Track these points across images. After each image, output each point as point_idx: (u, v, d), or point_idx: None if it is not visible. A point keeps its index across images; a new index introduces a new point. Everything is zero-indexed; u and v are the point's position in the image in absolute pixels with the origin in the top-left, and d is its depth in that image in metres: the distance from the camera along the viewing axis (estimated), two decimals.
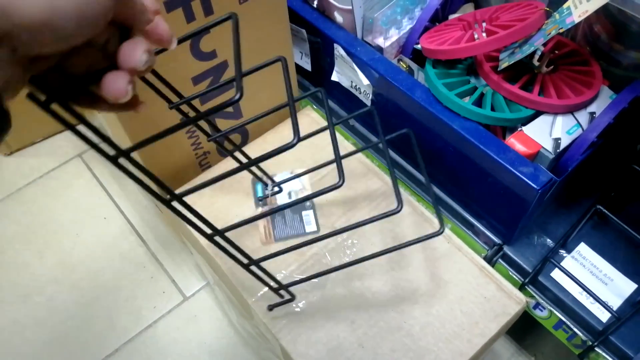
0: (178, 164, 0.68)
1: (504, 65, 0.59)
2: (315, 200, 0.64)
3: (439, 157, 0.64)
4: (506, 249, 0.63)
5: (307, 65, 0.77)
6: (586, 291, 0.57)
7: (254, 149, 0.70)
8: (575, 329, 0.58)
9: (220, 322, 0.78)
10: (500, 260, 0.64)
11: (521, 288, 0.61)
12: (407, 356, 0.53)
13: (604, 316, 0.57)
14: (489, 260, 0.64)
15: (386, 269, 0.59)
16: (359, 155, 0.67)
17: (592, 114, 0.59)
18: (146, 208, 0.90)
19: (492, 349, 0.75)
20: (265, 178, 0.63)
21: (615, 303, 0.58)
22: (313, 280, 0.58)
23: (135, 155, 0.65)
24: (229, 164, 0.70)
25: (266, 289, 0.57)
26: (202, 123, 0.66)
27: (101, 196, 0.92)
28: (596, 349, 0.56)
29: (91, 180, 0.95)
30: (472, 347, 0.53)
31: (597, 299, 0.56)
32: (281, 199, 0.63)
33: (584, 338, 0.58)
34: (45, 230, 0.90)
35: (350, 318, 0.55)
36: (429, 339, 0.54)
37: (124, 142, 0.65)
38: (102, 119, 0.62)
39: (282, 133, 0.72)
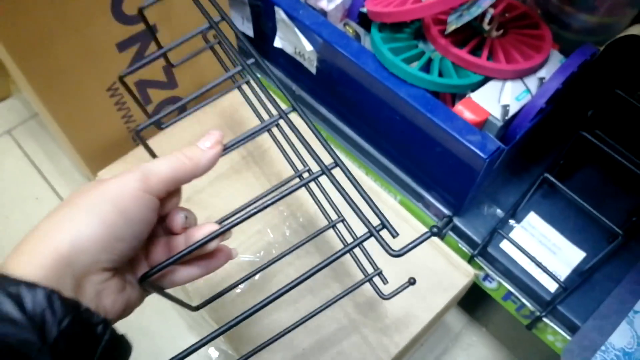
0: (108, 138, 0.63)
1: (451, 28, 0.56)
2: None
3: (387, 126, 0.61)
4: (456, 220, 0.61)
5: (249, 31, 0.72)
6: (534, 262, 0.55)
7: (192, 123, 0.66)
8: (524, 300, 0.57)
9: (164, 306, 0.74)
10: (450, 232, 0.62)
11: (470, 260, 0.59)
12: (352, 334, 0.51)
13: (552, 286, 0.56)
14: (439, 232, 0.62)
15: (332, 245, 0.56)
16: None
17: (541, 79, 0.57)
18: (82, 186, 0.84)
19: (445, 322, 0.74)
20: None
21: (564, 272, 0.57)
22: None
23: (57, 129, 0.60)
24: (164, 136, 0.65)
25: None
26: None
27: (32, 175, 0.85)
28: (544, 319, 0.55)
29: (22, 159, 0.88)
30: (419, 322, 0.52)
31: (544, 269, 0.55)
32: None
33: (532, 309, 0.57)
34: None
35: (293, 297, 0.53)
36: (374, 317, 0.52)
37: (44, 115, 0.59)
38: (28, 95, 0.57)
39: (222, 105, 0.67)
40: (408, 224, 0.58)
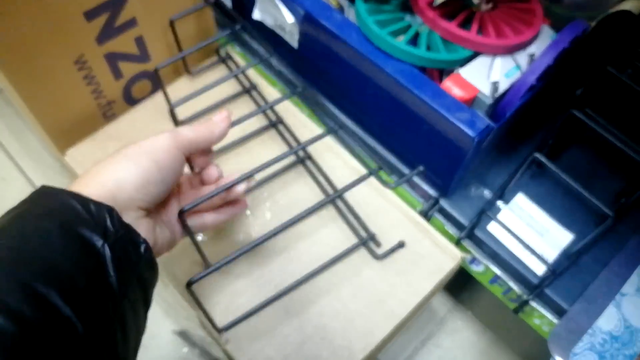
0: (77, 114, 0.59)
1: (440, 0, 0.53)
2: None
3: (372, 103, 0.58)
4: (442, 202, 0.59)
5: (227, 2, 0.69)
6: (522, 244, 0.54)
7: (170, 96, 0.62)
8: (511, 283, 0.56)
9: None
10: (436, 214, 0.60)
11: (457, 243, 0.57)
12: (336, 319, 0.49)
13: (539, 269, 0.55)
14: (425, 214, 0.60)
15: (315, 227, 0.54)
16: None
17: (531, 55, 0.55)
18: (50, 166, 0.80)
19: (430, 306, 0.73)
20: None
21: (552, 255, 0.56)
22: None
23: (23, 106, 0.56)
24: (138, 114, 0.62)
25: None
26: (105, 71, 0.58)
27: None
28: (531, 302, 0.54)
29: None
30: (405, 307, 0.50)
31: (532, 251, 0.53)
32: None
33: (519, 292, 0.56)
34: None
35: (275, 282, 0.50)
36: (360, 301, 0.50)
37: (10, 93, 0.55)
38: None
39: (200, 78, 0.64)
40: (392, 204, 0.56)
